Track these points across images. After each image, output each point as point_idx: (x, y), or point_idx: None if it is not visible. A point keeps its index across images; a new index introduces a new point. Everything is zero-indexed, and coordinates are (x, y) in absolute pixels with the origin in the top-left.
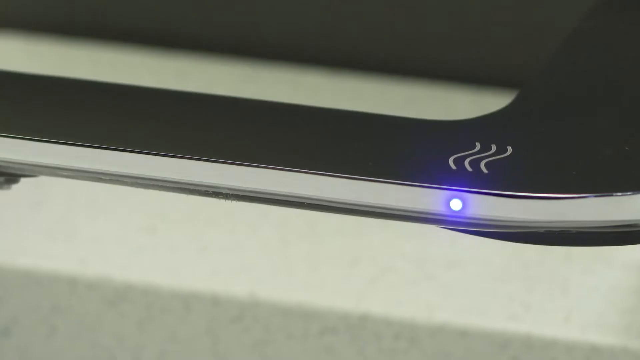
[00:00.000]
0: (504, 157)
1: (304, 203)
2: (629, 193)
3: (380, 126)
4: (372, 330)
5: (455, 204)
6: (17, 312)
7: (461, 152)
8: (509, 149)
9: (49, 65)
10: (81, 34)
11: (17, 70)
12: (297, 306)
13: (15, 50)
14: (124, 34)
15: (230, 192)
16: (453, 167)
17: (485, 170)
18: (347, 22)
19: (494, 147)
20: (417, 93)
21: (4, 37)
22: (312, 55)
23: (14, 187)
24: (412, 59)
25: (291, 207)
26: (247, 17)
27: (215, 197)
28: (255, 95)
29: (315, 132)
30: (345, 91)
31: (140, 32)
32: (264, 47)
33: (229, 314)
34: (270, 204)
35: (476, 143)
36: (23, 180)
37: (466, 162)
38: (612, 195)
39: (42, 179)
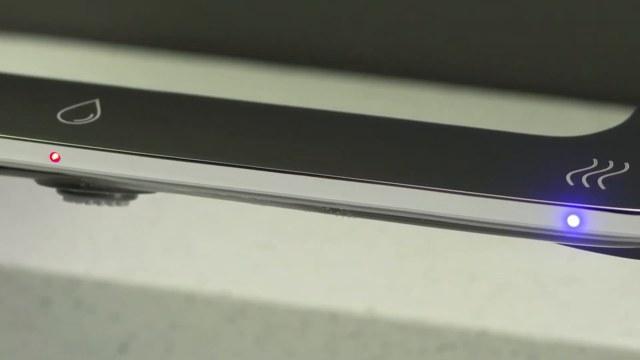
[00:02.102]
0: (621, 174)
1: (421, 220)
2: None
3: (499, 143)
4: (489, 347)
5: (573, 220)
6: (134, 328)
7: (578, 169)
8: (627, 165)
9: (166, 82)
10: (196, 49)
11: (128, 86)
12: (414, 322)
13: (134, 67)
14: (237, 50)
15: (348, 209)
16: (570, 183)
17: (602, 187)
18: (466, 41)
19: (611, 164)
20: (534, 109)
21: (124, 55)
22: (422, 71)
23: (132, 203)
24: (529, 75)
25: (409, 224)
26: (366, 35)
27: (332, 213)
28: (371, 111)
29: (433, 148)
30: (462, 108)
31: (254, 48)
32: (378, 62)
33: (347, 330)
34: (387, 221)
35: (593, 159)
36: (140, 196)
37: (583, 179)
38: None
39: (160, 195)
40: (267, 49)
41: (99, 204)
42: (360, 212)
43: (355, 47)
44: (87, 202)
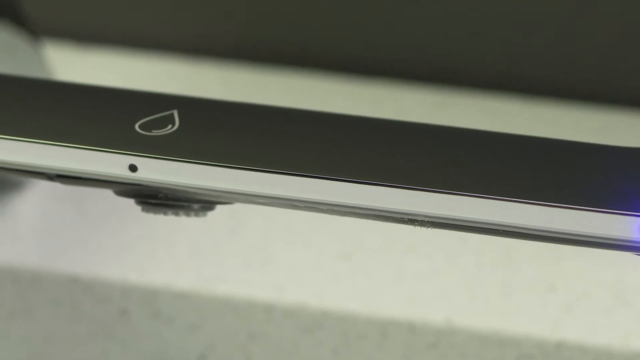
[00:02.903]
0: None
1: (500, 230)
2: None
3: (576, 153)
4: (567, 358)
5: None
6: (214, 338)
7: None
8: None
9: (244, 93)
10: (276, 61)
11: (206, 97)
12: (493, 333)
13: (212, 78)
14: (316, 62)
15: (426, 220)
16: None
17: None
18: (557, 56)
19: None
20: (611, 120)
21: (202, 66)
22: (503, 82)
23: (210, 214)
24: (608, 86)
25: (487, 235)
26: (441, 46)
27: (411, 224)
28: (446, 122)
29: (511, 159)
30: (541, 118)
31: (334, 60)
32: (457, 74)
33: (425, 341)
34: (465, 231)
35: None
36: (219, 207)
37: None
38: None
39: (238, 207)
40: (345, 60)
41: (177, 215)
42: (438, 223)
43: (445, 59)
44: (165, 213)
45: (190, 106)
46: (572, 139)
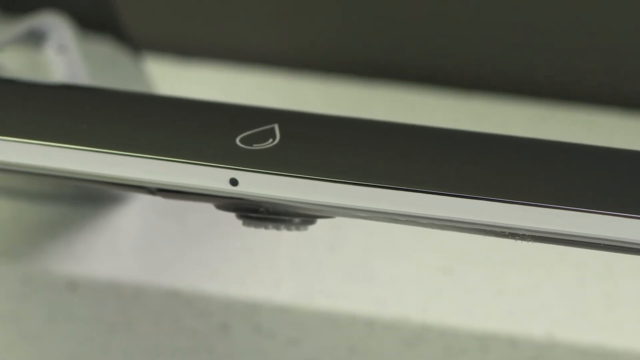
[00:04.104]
0: None
1: (601, 244)
2: None
3: None
4: None
5: None
6: (314, 353)
7: None
8: None
9: (345, 107)
10: (377, 75)
11: (307, 111)
12: (594, 347)
13: (313, 91)
14: (419, 75)
15: (527, 233)
16: None
17: None
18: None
19: None
20: None
21: (304, 80)
22: (604, 96)
23: (311, 228)
24: None
25: (588, 248)
26: (537, 59)
27: (511, 238)
28: (549, 136)
29: (613, 173)
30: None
31: (436, 74)
32: (557, 87)
33: (526, 355)
34: (566, 245)
35: None
36: (319, 221)
37: None
38: None
39: (339, 220)
40: (447, 73)
41: (278, 229)
42: (540, 237)
43: (548, 73)
44: (266, 227)
45: (291, 120)
46: None
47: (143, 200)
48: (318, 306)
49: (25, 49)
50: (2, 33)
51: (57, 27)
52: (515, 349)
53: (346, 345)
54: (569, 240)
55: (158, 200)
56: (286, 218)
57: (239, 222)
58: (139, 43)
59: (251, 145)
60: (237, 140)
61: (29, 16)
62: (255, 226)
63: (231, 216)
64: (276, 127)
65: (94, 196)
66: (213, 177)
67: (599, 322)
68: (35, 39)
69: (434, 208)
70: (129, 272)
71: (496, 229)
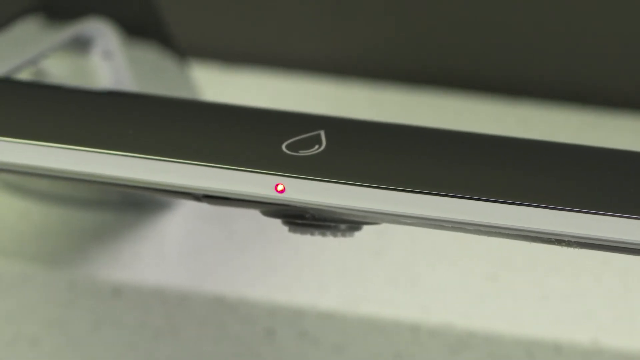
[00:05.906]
0: None
1: None
2: None
3: None
4: None
5: None
6: (359, 359)
7: None
8: None
9: (391, 113)
10: (423, 81)
11: (354, 117)
12: None
13: (360, 98)
14: (465, 82)
15: (573, 240)
16: None
17: None
18: None
19: None
20: None
21: (350, 87)
22: None
23: (357, 234)
24: None
25: (634, 255)
26: (589, 67)
27: (557, 244)
28: (597, 142)
29: None
30: None
31: (482, 80)
32: (604, 94)
33: None
34: (612, 252)
35: None
36: (365, 227)
37: None
38: None
39: (384, 227)
40: (493, 80)
41: (324, 235)
42: (585, 243)
43: (594, 79)
44: (312, 234)
45: (337, 126)
46: None
47: (188, 206)
48: (363, 312)
49: (71, 55)
50: (49, 39)
51: (103, 33)
52: (561, 355)
53: (391, 351)
54: (614, 246)
55: (203, 206)
56: (332, 224)
57: (285, 228)
58: (184, 49)
59: (297, 151)
60: (283, 147)
61: (75, 22)
62: (302, 232)
63: (277, 222)
64: (322, 133)
65: (140, 203)
66: (259, 184)
67: None
68: (81, 45)
69: (479, 215)
70: (174, 278)
71: (542, 236)
